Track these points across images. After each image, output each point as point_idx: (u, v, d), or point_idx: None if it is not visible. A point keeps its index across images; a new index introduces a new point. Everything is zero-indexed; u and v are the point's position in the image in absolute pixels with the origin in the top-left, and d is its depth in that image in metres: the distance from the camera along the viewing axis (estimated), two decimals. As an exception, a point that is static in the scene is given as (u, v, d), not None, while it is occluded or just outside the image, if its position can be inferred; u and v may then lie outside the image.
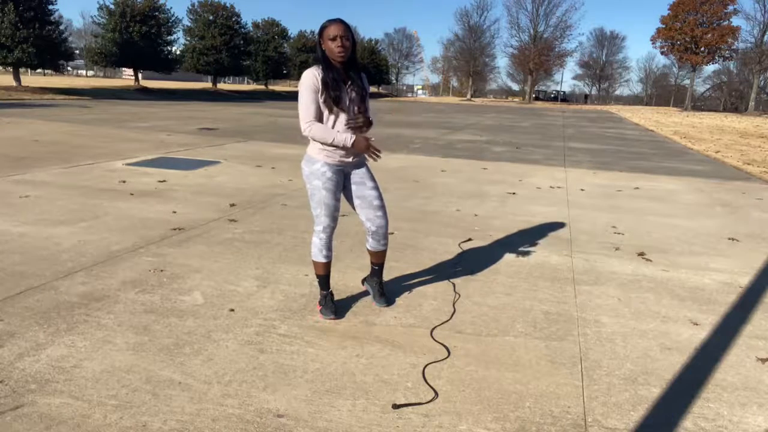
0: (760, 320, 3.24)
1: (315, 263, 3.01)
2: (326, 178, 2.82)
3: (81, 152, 8.32)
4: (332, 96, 2.70)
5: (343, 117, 2.76)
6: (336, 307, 3.02)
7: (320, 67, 2.72)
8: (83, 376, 2.27)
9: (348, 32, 2.68)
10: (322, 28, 2.69)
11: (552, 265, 4.03)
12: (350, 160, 2.87)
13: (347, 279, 3.55)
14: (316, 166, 2.82)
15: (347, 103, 2.76)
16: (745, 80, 68.55)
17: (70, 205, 5.06)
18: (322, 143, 2.77)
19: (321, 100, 2.71)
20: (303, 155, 2.89)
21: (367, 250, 3.18)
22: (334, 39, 2.65)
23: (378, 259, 3.18)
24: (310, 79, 2.69)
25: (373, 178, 2.99)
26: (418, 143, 12.51)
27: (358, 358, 2.54)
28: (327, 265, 3.01)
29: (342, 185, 2.93)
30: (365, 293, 3.33)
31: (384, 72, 75.40)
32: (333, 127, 2.76)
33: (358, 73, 2.84)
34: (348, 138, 2.72)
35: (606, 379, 2.48)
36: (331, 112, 2.73)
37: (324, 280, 3.03)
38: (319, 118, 2.75)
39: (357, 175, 2.94)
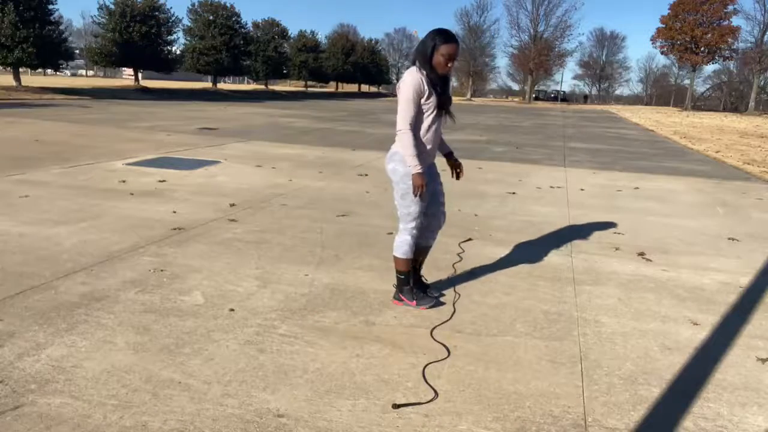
0: (760, 320, 3.24)
1: (405, 260, 3.09)
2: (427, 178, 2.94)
3: (81, 152, 8.32)
4: (440, 100, 2.85)
5: (439, 120, 2.93)
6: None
7: (422, 70, 2.81)
8: (83, 376, 2.27)
9: (458, 54, 2.83)
10: (442, 40, 2.76)
11: (552, 265, 4.03)
12: (433, 160, 3.06)
13: (347, 279, 3.55)
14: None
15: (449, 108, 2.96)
16: (745, 80, 68.54)
17: (70, 205, 5.06)
18: (401, 148, 2.84)
19: (428, 103, 2.83)
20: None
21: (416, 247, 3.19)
22: (447, 57, 2.77)
23: (425, 256, 3.31)
24: (418, 83, 2.78)
25: (439, 176, 3.16)
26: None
27: (358, 358, 2.54)
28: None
29: None
30: (365, 293, 3.33)
31: (384, 72, 75.37)
32: (429, 128, 2.89)
33: (449, 82, 3.00)
34: (416, 167, 2.80)
35: (606, 379, 2.48)
36: (432, 113, 2.87)
37: (408, 275, 3.14)
38: (417, 120, 2.86)
39: (432, 172, 3.09)
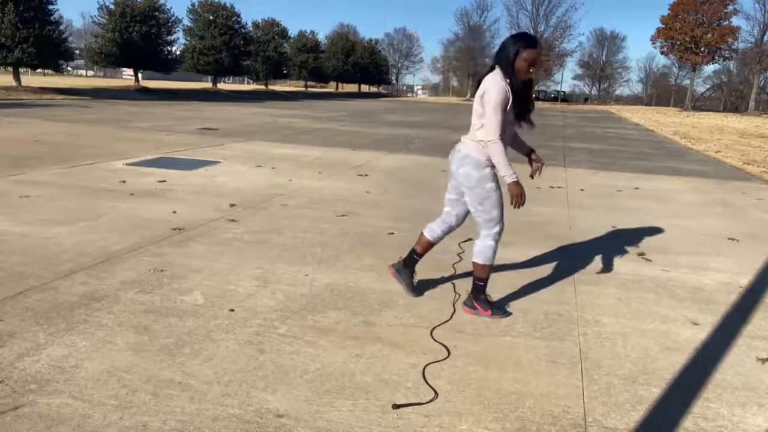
0: (760, 320, 3.24)
1: (487, 266, 3.00)
2: (496, 180, 2.89)
3: (81, 152, 8.32)
4: (520, 108, 2.80)
5: (512, 127, 2.89)
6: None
7: (504, 76, 2.75)
8: (83, 376, 2.27)
9: (540, 58, 2.80)
10: (524, 45, 2.71)
11: (552, 265, 4.03)
12: None
13: (347, 279, 3.55)
14: (486, 170, 2.86)
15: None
16: (745, 80, 68.53)
17: (70, 205, 5.06)
18: (490, 157, 2.79)
19: (512, 110, 2.78)
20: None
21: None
22: (530, 62, 2.73)
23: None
24: (506, 91, 2.73)
25: None
26: (418, 143, 12.51)
27: (358, 358, 2.54)
28: None
29: None
30: (365, 293, 3.32)
31: (384, 72, 75.38)
32: (507, 131, 2.84)
33: (532, 86, 2.95)
34: (512, 175, 2.75)
35: (606, 379, 2.48)
36: (514, 120, 2.83)
37: (487, 282, 3.07)
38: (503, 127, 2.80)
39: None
